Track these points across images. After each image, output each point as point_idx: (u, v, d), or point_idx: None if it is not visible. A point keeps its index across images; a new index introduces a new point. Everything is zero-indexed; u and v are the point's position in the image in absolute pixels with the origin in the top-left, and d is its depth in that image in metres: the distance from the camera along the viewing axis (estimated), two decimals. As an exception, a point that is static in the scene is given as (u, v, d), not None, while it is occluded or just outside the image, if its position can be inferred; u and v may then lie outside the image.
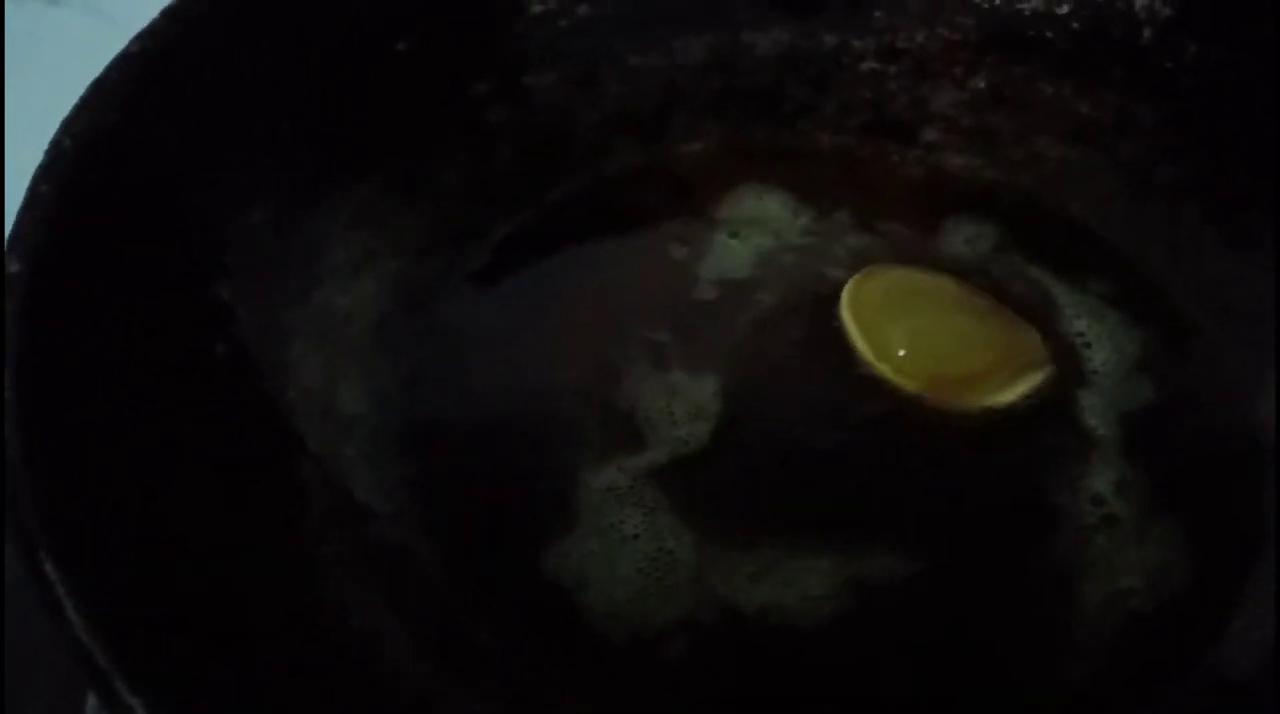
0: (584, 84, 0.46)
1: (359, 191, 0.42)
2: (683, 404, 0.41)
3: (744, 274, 0.45)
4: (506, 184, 0.46)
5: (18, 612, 0.35)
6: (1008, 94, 0.47)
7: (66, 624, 0.27)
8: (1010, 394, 0.42)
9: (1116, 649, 0.37)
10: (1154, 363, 0.43)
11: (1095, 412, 0.42)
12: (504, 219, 0.46)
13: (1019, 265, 0.45)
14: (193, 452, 0.34)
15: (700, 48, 0.47)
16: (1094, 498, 0.40)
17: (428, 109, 0.44)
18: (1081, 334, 0.43)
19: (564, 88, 0.46)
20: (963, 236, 0.46)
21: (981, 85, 0.47)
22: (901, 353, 0.42)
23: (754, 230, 0.46)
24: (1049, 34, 0.46)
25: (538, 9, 0.45)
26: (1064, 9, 0.46)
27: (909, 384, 0.42)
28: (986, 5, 0.47)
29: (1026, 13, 0.46)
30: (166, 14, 0.37)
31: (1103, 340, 0.43)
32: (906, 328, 0.43)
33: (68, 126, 0.34)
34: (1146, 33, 0.44)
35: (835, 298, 0.44)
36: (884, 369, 0.42)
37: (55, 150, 0.33)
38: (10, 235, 0.32)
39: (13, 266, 0.31)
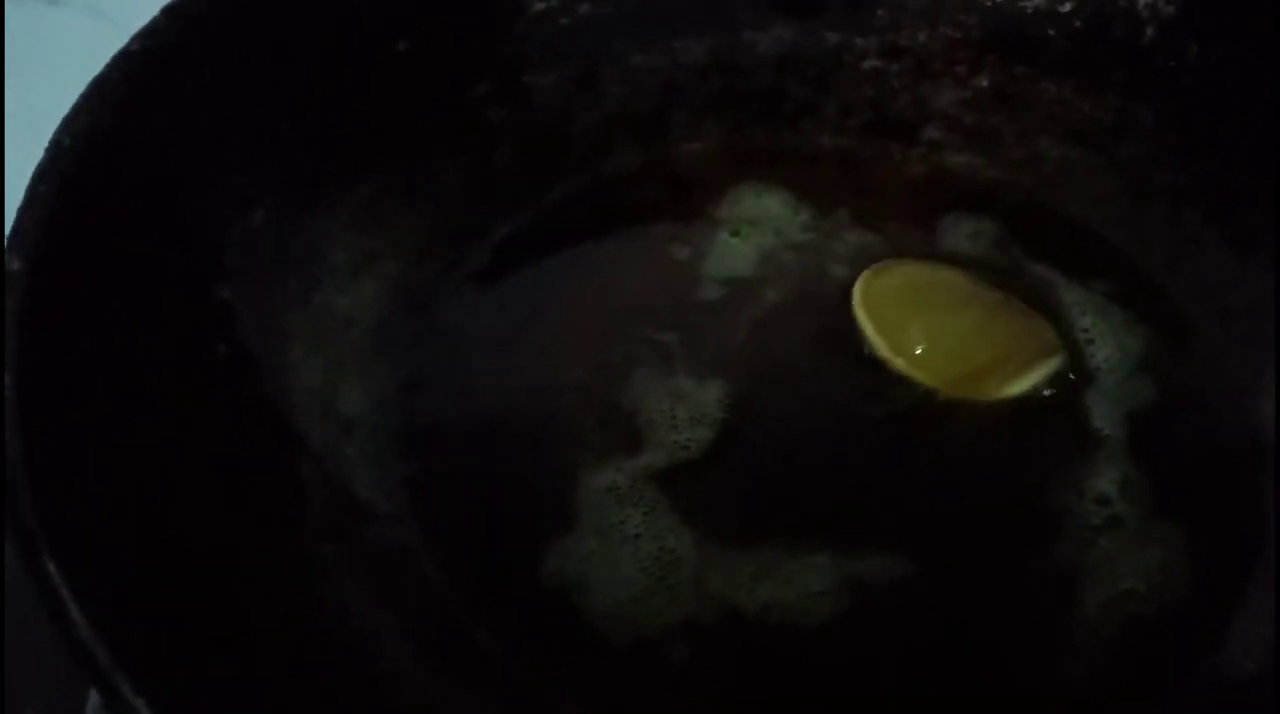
0: (584, 83, 0.46)
1: (359, 192, 0.42)
2: (686, 407, 0.41)
3: (748, 272, 0.45)
4: (506, 184, 0.46)
5: (16, 612, 0.35)
6: (1010, 93, 0.47)
7: (69, 624, 0.27)
8: (1025, 383, 0.42)
9: (1117, 651, 0.37)
10: (1157, 361, 0.43)
11: (1100, 410, 0.42)
12: (504, 219, 0.46)
13: (1021, 262, 0.45)
14: (194, 451, 0.34)
15: (701, 47, 0.47)
16: (1099, 498, 0.40)
17: (428, 109, 0.44)
18: (1085, 331, 0.43)
19: (564, 87, 0.46)
20: (964, 233, 0.46)
21: (984, 84, 0.47)
22: (919, 348, 0.42)
23: (755, 229, 0.46)
24: (1051, 32, 0.46)
25: (538, 7, 0.45)
26: (1066, 7, 0.46)
27: (926, 379, 0.42)
28: (989, 3, 0.47)
29: (1029, 11, 0.46)
30: (167, 12, 0.37)
31: (1106, 338, 0.43)
32: (922, 323, 0.43)
33: (68, 125, 0.34)
34: (1149, 31, 0.44)
35: (842, 294, 0.44)
36: (901, 365, 0.42)
37: (55, 149, 0.33)
38: (10, 233, 0.32)
39: (13, 265, 0.31)
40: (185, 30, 0.37)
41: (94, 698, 0.37)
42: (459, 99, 0.44)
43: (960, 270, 0.44)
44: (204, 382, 0.36)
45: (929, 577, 0.38)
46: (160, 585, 0.31)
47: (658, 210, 0.46)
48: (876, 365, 0.42)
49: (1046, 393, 0.42)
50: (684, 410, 0.41)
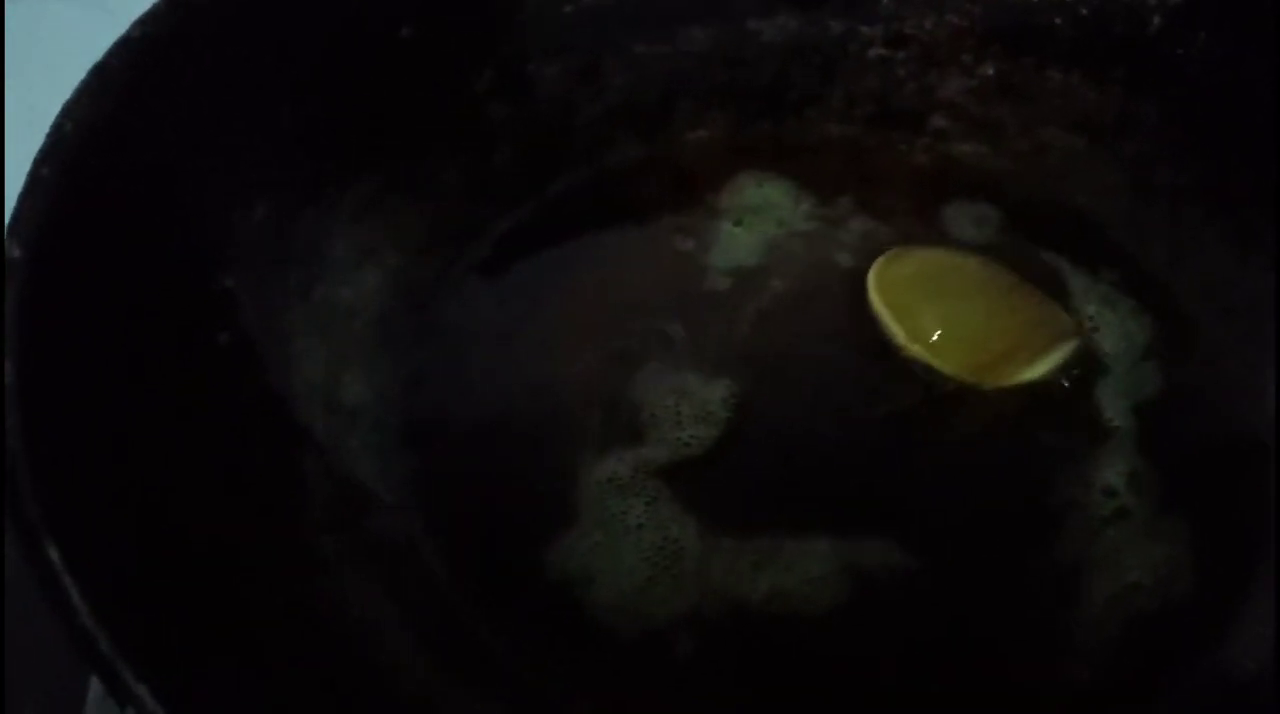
0: (588, 73, 0.46)
1: (361, 186, 0.42)
2: (692, 405, 0.41)
3: (753, 262, 0.45)
4: (509, 177, 0.46)
5: (16, 608, 0.35)
6: (1015, 83, 0.47)
7: (71, 612, 0.27)
8: (1041, 368, 0.42)
9: (1121, 645, 0.37)
10: (1163, 352, 0.43)
11: (1107, 400, 0.42)
12: (506, 213, 0.46)
13: (1028, 249, 0.45)
14: (195, 440, 0.34)
15: (705, 36, 0.47)
16: (1106, 489, 0.40)
17: (430, 99, 0.44)
18: (1091, 318, 0.43)
19: (567, 77, 0.46)
20: (969, 219, 0.46)
21: (990, 73, 0.47)
22: (937, 335, 0.42)
23: (757, 218, 0.46)
24: (1057, 20, 0.46)
25: (542, -5, 0.45)
26: (1072, -5, 0.46)
27: (943, 365, 0.42)
28: (995, -10, 0.47)
29: (1035, -1, 0.46)
30: (168, -1, 0.37)
31: (1112, 327, 0.43)
32: (939, 309, 0.43)
33: (69, 110, 0.34)
34: (1155, 20, 0.44)
35: (849, 282, 0.44)
36: (918, 352, 0.42)
37: (57, 134, 0.33)
38: (10, 220, 0.32)
39: (13, 252, 0.31)
40: (186, 16, 0.37)
41: (93, 692, 0.37)
42: (461, 90, 0.44)
43: (974, 255, 0.44)
44: (206, 371, 0.36)
45: (935, 567, 0.38)
46: (161, 574, 0.31)
47: (661, 202, 0.46)
48: (885, 355, 0.42)
49: (1063, 379, 0.42)
50: (689, 407, 0.41)
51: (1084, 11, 0.45)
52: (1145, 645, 0.37)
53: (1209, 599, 0.38)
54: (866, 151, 0.48)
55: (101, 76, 0.35)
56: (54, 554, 0.27)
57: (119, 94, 0.35)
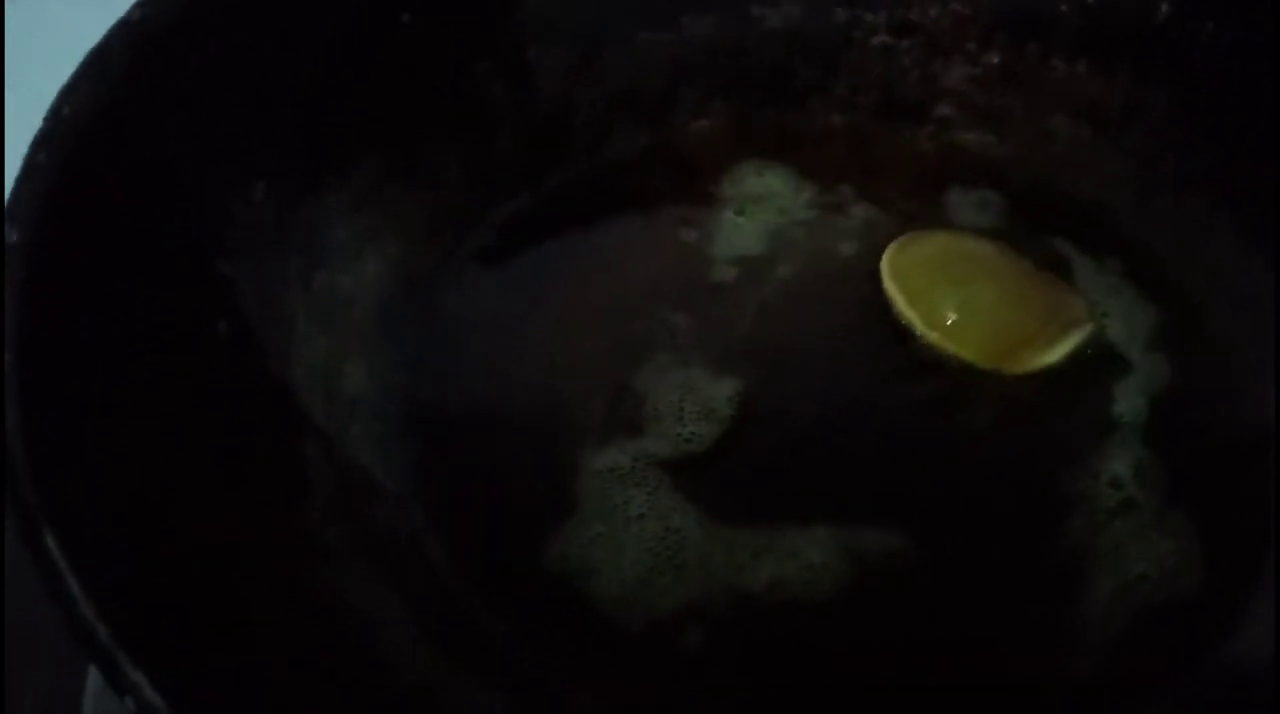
0: (588, 61, 0.46)
1: (361, 173, 0.42)
2: (695, 401, 0.41)
3: (757, 251, 0.45)
4: (509, 165, 0.45)
5: (15, 594, 0.35)
6: (1020, 71, 0.47)
7: (69, 601, 0.27)
8: (1057, 353, 0.42)
9: (1126, 638, 0.37)
10: (1170, 343, 0.43)
11: (1114, 389, 0.41)
12: (507, 200, 0.45)
13: (1034, 238, 0.45)
14: (195, 429, 0.34)
15: (708, 24, 0.47)
16: (1113, 481, 0.39)
17: (430, 87, 0.43)
18: (1098, 304, 0.43)
19: (569, 65, 0.46)
20: (972, 206, 0.46)
21: (994, 61, 0.47)
22: (951, 320, 0.42)
23: (759, 207, 0.46)
24: (1063, 8, 0.46)
25: (544, -18, 0.45)
26: (1079, -19, 0.46)
27: (959, 351, 0.42)
28: (1001, -23, 0.47)
29: (1041, -15, 0.46)
30: (167, -19, 0.37)
31: (1118, 316, 0.43)
32: (954, 294, 0.42)
33: (66, 94, 0.33)
34: (1163, 8, 0.44)
35: (854, 269, 0.44)
36: (935, 338, 0.42)
37: (54, 117, 0.33)
38: (9, 204, 0.32)
39: (11, 237, 0.31)
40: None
41: (92, 684, 0.37)
42: (462, 77, 0.44)
43: (988, 240, 0.44)
44: (206, 358, 0.36)
45: (939, 556, 0.38)
46: (161, 563, 0.31)
47: (663, 191, 0.46)
48: (894, 343, 0.42)
49: (1077, 364, 0.42)
50: (692, 404, 0.41)
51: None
52: (1150, 638, 0.37)
53: (1215, 592, 0.38)
54: (870, 140, 0.48)
55: (100, 60, 0.34)
56: (52, 543, 0.27)
57: (117, 78, 0.35)
